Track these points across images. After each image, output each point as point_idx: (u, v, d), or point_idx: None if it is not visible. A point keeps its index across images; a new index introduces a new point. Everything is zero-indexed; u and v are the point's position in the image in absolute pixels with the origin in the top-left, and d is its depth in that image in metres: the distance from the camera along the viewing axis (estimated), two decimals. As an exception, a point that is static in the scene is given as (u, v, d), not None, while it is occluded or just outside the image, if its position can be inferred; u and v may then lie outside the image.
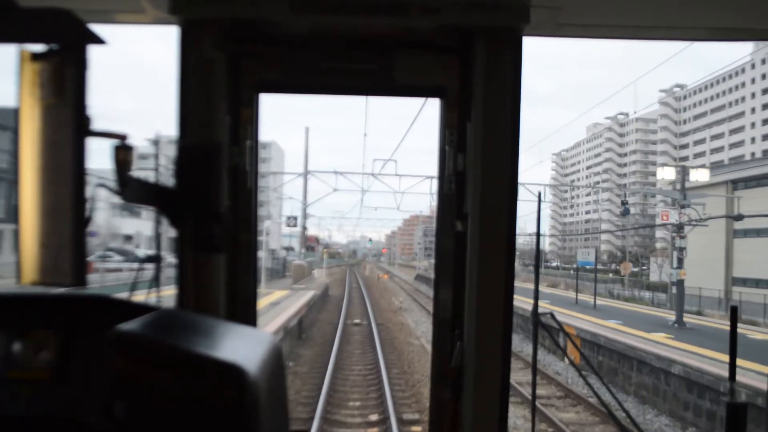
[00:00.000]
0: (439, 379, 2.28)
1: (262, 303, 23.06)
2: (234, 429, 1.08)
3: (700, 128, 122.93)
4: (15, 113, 1.35)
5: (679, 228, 28.28)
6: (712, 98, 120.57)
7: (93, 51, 1.31)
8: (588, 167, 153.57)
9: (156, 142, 26.32)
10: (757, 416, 10.95)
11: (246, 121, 2.19)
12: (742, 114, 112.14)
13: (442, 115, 2.27)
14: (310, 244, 75.54)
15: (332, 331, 26.35)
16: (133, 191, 1.57)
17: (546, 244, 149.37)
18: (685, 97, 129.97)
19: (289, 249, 71.15)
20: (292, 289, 34.49)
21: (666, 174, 32.31)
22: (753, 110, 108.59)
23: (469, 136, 2.12)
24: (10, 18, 1.25)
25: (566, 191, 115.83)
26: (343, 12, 2.05)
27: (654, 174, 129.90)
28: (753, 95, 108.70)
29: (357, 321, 30.55)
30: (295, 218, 42.47)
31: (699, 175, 31.37)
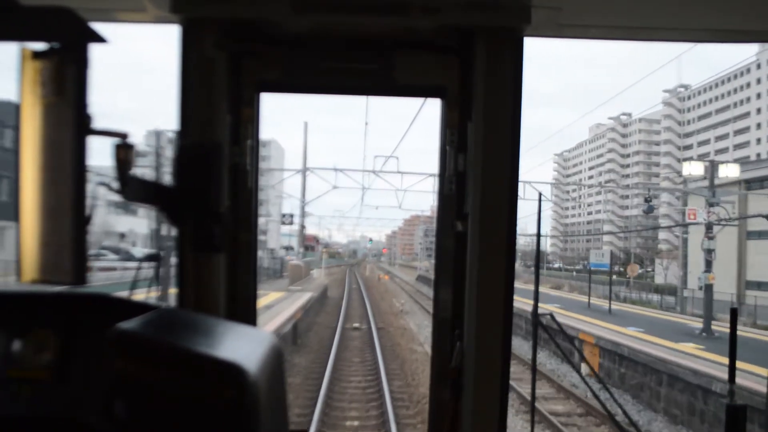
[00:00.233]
0: (438, 379, 2.28)
1: (254, 306, 21.32)
2: (234, 428, 1.09)
3: (705, 129, 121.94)
4: (16, 111, 1.35)
5: (708, 228, 26.34)
6: (716, 98, 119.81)
7: (94, 49, 1.32)
8: (590, 168, 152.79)
9: (157, 134, 25.38)
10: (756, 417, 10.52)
11: (246, 121, 2.19)
12: (747, 114, 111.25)
13: (442, 115, 2.26)
14: (309, 243, 74.22)
15: (330, 336, 24.73)
16: (133, 190, 1.56)
17: (547, 245, 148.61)
18: (689, 98, 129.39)
19: (288, 248, 69.55)
20: (289, 291, 32.79)
21: (694, 169, 30.00)
22: (759, 111, 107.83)
23: (470, 137, 2.11)
24: (11, 16, 1.26)
25: (574, 190, 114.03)
26: (344, 12, 2.04)
27: (657, 175, 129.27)
28: (759, 96, 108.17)
29: (356, 325, 28.90)
30: (291, 216, 40.68)
31: (729, 171, 29.41)
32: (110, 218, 54.16)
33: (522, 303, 22.89)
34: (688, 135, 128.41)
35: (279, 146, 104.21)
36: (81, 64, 1.28)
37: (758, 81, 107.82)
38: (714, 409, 14.84)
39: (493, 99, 2.05)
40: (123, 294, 1.72)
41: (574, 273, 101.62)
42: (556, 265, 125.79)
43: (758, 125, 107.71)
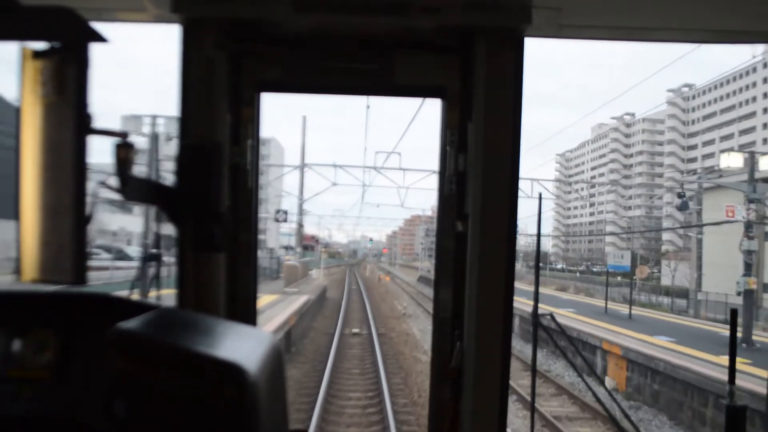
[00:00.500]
0: (438, 379, 2.27)
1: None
2: (234, 428, 1.09)
3: (710, 129, 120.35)
4: (16, 111, 1.35)
5: (747, 226, 24.09)
6: (722, 98, 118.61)
7: (94, 49, 1.32)
8: (593, 168, 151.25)
9: (134, 119, 23.86)
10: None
11: (247, 121, 2.19)
12: (753, 114, 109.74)
13: (442, 115, 2.26)
14: (308, 243, 72.19)
15: (327, 344, 22.69)
16: (133, 190, 1.56)
17: (549, 246, 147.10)
18: (693, 97, 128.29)
19: (288, 248, 67.41)
20: (284, 293, 30.61)
21: (732, 161, 27.42)
22: (765, 110, 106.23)
23: (470, 137, 2.11)
24: (11, 16, 1.26)
25: (583, 188, 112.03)
26: (344, 11, 2.03)
27: (660, 175, 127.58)
28: (765, 95, 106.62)
29: (356, 330, 26.82)
30: (285, 212, 38.35)
31: (770, 163, 27.05)
32: (104, 217, 52.41)
33: (529, 306, 20.84)
34: (692, 135, 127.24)
35: (279, 145, 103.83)
36: (81, 64, 1.28)
37: (765, 80, 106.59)
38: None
39: (494, 99, 2.04)
40: (122, 293, 1.73)
41: (578, 274, 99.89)
42: (559, 266, 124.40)
43: (765, 125, 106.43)
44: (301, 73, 2.19)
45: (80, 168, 1.28)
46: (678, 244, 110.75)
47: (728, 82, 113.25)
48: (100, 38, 1.30)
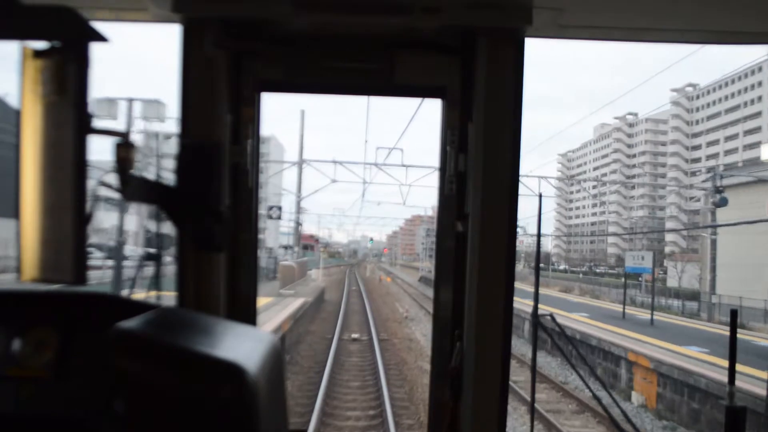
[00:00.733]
0: (438, 379, 2.27)
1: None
2: (233, 427, 1.09)
3: (714, 129, 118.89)
4: (16, 111, 1.35)
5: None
6: (726, 98, 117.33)
7: (95, 48, 1.32)
8: (595, 168, 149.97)
9: (108, 102, 22.53)
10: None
11: (247, 120, 2.20)
12: (758, 114, 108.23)
13: (443, 115, 2.26)
14: (307, 242, 70.50)
15: (324, 350, 21.09)
16: (134, 189, 1.56)
17: (551, 246, 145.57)
18: (697, 97, 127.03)
19: (287, 248, 65.65)
20: (279, 295, 28.92)
21: None
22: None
23: (471, 137, 2.11)
24: (12, 15, 1.26)
25: (594, 186, 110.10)
26: (345, 11, 2.04)
27: (663, 176, 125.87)
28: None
29: (355, 336, 25.13)
30: (280, 208, 36.59)
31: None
32: (100, 215, 50.98)
33: (547, 310, 18.99)
34: (696, 135, 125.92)
35: (278, 143, 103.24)
36: (82, 63, 1.28)
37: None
38: None
39: (494, 99, 2.05)
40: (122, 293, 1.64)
41: (580, 275, 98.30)
42: (561, 267, 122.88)
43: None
44: (302, 73, 2.20)
45: (80, 167, 1.29)
46: (682, 245, 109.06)
47: (733, 81, 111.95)
48: (100, 38, 1.30)
